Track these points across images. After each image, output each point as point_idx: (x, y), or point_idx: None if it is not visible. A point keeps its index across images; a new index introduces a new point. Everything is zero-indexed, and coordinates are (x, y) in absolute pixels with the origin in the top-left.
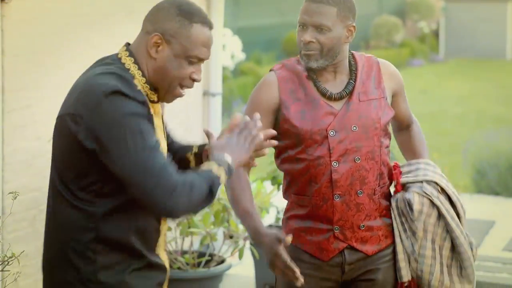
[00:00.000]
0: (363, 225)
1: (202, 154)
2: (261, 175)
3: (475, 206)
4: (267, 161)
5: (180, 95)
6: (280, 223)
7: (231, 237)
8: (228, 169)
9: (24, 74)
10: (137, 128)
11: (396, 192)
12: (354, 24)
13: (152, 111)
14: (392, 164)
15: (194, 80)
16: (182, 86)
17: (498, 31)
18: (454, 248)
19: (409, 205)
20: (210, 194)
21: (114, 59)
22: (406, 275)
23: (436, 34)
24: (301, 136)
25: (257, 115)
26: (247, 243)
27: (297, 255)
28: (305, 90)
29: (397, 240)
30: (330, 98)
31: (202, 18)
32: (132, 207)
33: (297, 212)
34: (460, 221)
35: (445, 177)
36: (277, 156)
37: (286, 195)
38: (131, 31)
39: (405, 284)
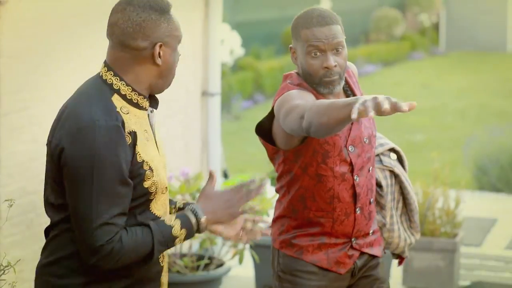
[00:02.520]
0: (371, 231)
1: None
2: (260, 177)
3: (477, 204)
4: (265, 160)
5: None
6: None
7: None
8: (193, 230)
9: (20, 76)
10: (99, 172)
11: None
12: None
13: (133, 122)
14: None
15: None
16: None
17: (499, 24)
18: (406, 206)
19: (376, 182)
20: (149, 256)
21: (96, 79)
22: None
23: (436, 27)
24: (329, 152)
25: (265, 181)
26: (247, 246)
27: (311, 270)
28: None
29: None
30: None
31: (167, 3)
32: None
33: (309, 231)
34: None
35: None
36: (284, 174)
37: (292, 214)
38: None
39: None
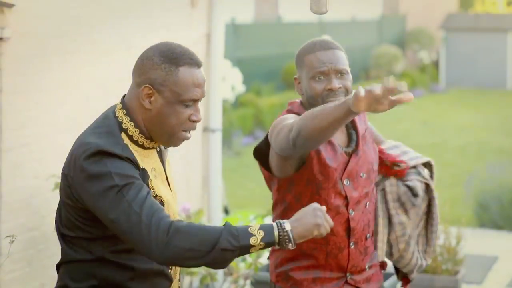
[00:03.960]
0: (368, 266)
1: None
2: (261, 212)
3: (478, 241)
4: (266, 196)
5: (186, 138)
6: None
7: (231, 274)
8: (273, 237)
9: (22, 112)
10: (113, 184)
11: (400, 175)
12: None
13: (140, 161)
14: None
15: (194, 122)
16: (184, 131)
17: (499, 61)
18: (426, 224)
19: (412, 191)
20: (212, 249)
21: (109, 114)
22: (382, 256)
23: (436, 64)
24: (323, 184)
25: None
26: (248, 282)
27: None
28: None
29: (380, 220)
30: (346, 153)
31: (187, 59)
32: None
33: (303, 263)
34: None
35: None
36: (278, 202)
37: None
38: (131, 63)
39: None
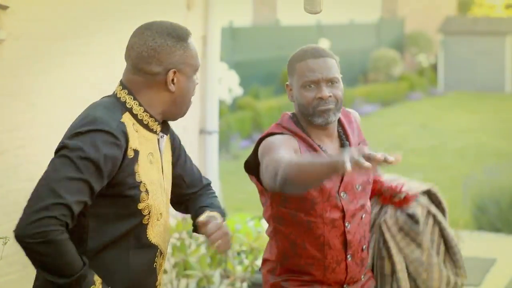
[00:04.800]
0: (363, 277)
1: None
2: (258, 215)
3: (476, 243)
4: None
5: (191, 104)
6: None
7: (228, 276)
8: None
9: (17, 114)
10: (73, 164)
11: (399, 205)
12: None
13: (139, 142)
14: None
15: (196, 84)
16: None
17: (497, 65)
18: (447, 247)
19: (413, 219)
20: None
21: (110, 97)
22: (406, 286)
23: (434, 67)
24: (317, 199)
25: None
26: (245, 284)
27: None
28: (316, 150)
29: (394, 252)
30: None
31: (186, 31)
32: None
33: (299, 277)
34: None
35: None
36: (272, 217)
37: (283, 259)
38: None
39: None
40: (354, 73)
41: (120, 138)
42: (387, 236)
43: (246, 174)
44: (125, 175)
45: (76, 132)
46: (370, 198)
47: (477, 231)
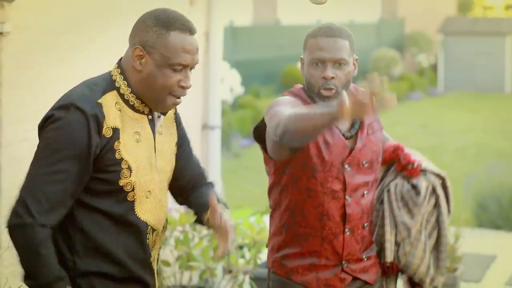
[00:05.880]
0: (365, 257)
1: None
2: (260, 209)
3: (476, 240)
4: (265, 197)
5: (175, 104)
6: None
7: (230, 271)
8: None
9: (22, 107)
10: (54, 148)
11: (409, 174)
12: (357, 57)
13: (121, 120)
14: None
15: (183, 88)
16: (173, 95)
17: (497, 65)
18: (438, 239)
19: (415, 189)
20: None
21: (106, 73)
22: (390, 256)
23: (434, 67)
24: (319, 167)
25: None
26: (247, 277)
27: None
28: None
29: (387, 221)
30: (345, 137)
31: (180, 25)
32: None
33: (297, 250)
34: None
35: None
36: (275, 185)
37: (283, 229)
38: None
39: (387, 265)
40: None
41: (90, 120)
42: (385, 203)
43: (247, 173)
44: (104, 152)
45: (48, 116)
46: (388, 164)
47: (477, 228)
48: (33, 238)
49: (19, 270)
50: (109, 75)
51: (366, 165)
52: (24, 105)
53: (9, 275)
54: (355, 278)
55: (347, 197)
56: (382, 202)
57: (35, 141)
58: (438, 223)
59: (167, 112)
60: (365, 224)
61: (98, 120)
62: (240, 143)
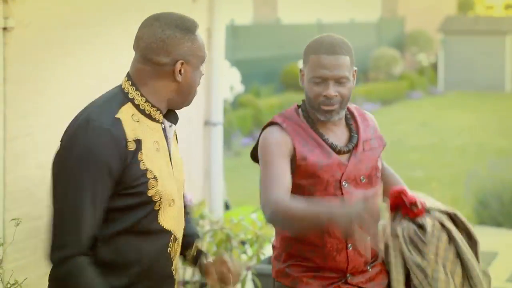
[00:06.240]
0: (370, 267)
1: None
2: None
3: (478, 238)
4: None
5: (196, 93)
6: None
7: None
8: None
9: (26, 102)
10: (81, 180)
11: (413, 215)
12: (355, 69)
13: (141, 131)
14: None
15: (202, 75)
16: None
17: (497, 64)
18: (466, 274)
19: (422, 228)
20: None
21: (116, 88)
22: None
23: (434, 66)
24: (316, 187)
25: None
26: (250, 273)
27: None
28: (316, 141)
29: (392, 259)
30: (339, 152)
31: (194, 23)
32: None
33: (303, 263)
34: (474, 249)
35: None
36: None
37: (286, 245)
38: (133, 56)
39: None
40: None
41: (116, 135)
42: (390, 246)
43: (248, 171)
44: (130, 167)
45: (70, 137)
46: (394, 211)
47: (479, 226)
48: (80, 269)
49: (23, 265)
50: (119, 89)
51: (364, 180)
52: (28, 100)
53: (13, 269)
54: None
55: None
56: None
57: (39, 136)
58: (460, 258)
59: (177, 120)
60: (367, 238)
61: (120, 137)
62: (240, 141)
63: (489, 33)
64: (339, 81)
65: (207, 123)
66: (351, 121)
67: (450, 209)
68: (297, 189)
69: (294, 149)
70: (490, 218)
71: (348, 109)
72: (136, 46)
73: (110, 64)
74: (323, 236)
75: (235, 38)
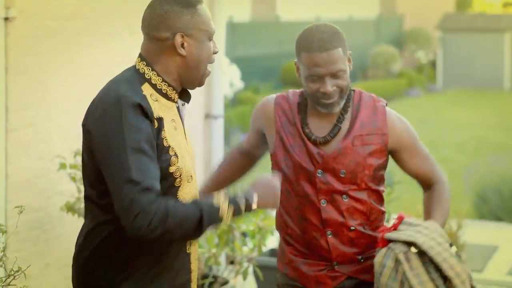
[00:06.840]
0: (362, 258)
1: None
2: None
3: (478, 232)
4: None
5: (209, 73)
6: None
7: (232, 262)
8: (240, 213)
9: (27, 93)
10: (131, 141)
11: (376, 246)
12: (350, 51)
13: (161, 110)
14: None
15: (215, 53)
16: (209, 64)
17: (495, 62)
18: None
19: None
20: (198, 227)
21: (130, 69)
22: None
23: (433, 64)
24: (289, 169)
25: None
26: (251, 265)
27: (293, 284)
28: (295, 126)
29: None
30: (314, 143)
31: None
32: None
33: (289, 248)
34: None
35: (442, 244)
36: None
37: (280, 229)
38: (134, 48)
39: None
40: (353, 69)
41: (147, 110)
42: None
43: None
44: (157, 143)
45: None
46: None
47: (478, 220)
48: (170, 205)
49: (25, 255)
50: (133, 70)
51: (345, 175)
52: (29, 90)
53: (14, 261)
54: (353, 277)
55: (322, 202)
56: None
57: (40, 127)
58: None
59: (190, 99)
60: (351, 227)
61: (151, 113)
62: (239, 138)
63: (487, 31)
64: (335, 75)
65: (208, 116)
66: (347, 112)
67: (411, 238)
68: (275, 166)
69: (276, 126)
70: (490, 212)
71: (356, 98)
72: (142, 27)
73: (111, 55)
74: (301, 222)
75: (234, 35)
